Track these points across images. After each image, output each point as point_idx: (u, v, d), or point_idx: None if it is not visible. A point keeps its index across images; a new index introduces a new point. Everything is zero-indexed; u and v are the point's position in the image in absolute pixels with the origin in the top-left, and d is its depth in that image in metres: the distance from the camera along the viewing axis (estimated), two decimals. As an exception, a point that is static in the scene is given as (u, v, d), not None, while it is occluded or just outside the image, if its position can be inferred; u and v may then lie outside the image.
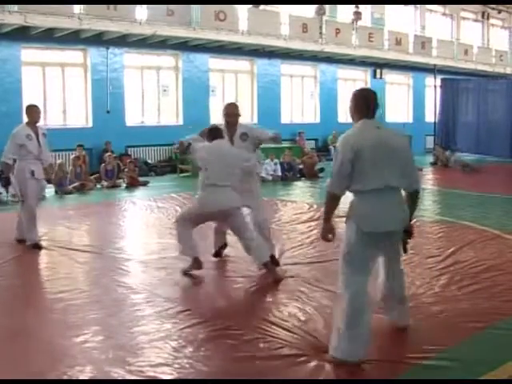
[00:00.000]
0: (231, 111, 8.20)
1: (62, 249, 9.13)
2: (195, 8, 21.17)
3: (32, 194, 9.44)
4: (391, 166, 4.87)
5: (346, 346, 4.81)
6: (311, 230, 10.17)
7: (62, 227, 11.03)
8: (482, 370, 4.68)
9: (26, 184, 9.35)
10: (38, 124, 9.63)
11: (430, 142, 30.18)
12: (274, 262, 7.75)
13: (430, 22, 32.91)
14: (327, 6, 26.19)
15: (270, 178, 18.50)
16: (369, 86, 29.67)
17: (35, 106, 9.76)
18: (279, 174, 18.78)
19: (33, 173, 9.36)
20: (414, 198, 5.15)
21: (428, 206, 13.09)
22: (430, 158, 25.00)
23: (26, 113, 9.65)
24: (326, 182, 5.15)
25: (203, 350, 5.15)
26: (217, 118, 24.18)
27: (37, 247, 9.29)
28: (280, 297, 6.64)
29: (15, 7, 17.16)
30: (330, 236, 5.05)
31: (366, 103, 5.04)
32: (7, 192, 14.21)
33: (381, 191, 4.84)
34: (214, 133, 7.71)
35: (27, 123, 9.53)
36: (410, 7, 31.62)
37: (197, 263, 7.57)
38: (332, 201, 4.98)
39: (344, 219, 5.04)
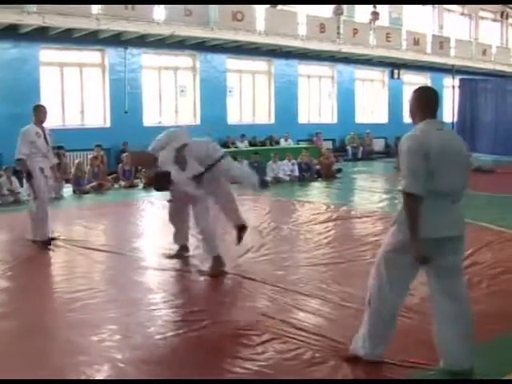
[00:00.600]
0: None
1: (79, 248, 9.16)
2: (213, 8, 21.18)
3: (44, 189, 9.61)
4: (455, 169, 4.54)
5: (368, 346, 4.78)
6: (328, 231, 10.14)
7: (79, 226, 11.07)
8: (505, 370, 4.68)
9: (37, 180, 9.51)
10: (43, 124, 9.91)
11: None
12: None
13: (448, 21, 32.70)
14: (345, 6, 26.11)
15: (288, 178, 18.46)
16: (386, 86, 29.68)
17: (42, 106, 10.07)
18: (296, 174, 18.71)
19: (42, 170, 9.55)
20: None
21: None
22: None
23: (34, 113, 9.85)
24: (400, 186, 4.51)
25: (219, 350, 5.15)
26: (234, 118, 24.33)
27: (47, 244, 9.38)
28: (297, 298, 6.61)
29: (34, 8, 17.23)
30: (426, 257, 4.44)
31: (428, 102, 4.80)
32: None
33: (444, 195, 4.52)
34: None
35: (34, 123, 9.77)
36: (428, 7, 31.42)
37: (219, 262, 7.67)
38: (414, 204, 4.41)
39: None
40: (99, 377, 4.65)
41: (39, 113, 9.84)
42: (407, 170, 4.44)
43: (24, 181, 10.03)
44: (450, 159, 4.50)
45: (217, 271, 7.63)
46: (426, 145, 4.44)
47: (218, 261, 7.70)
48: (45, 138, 9.73)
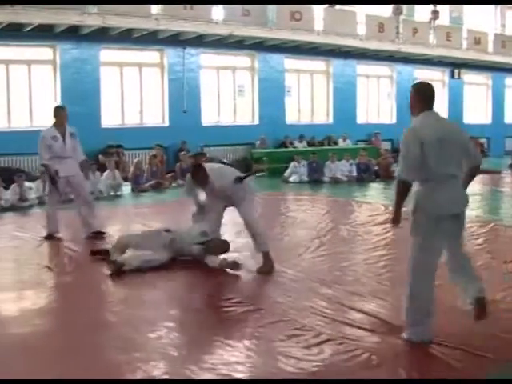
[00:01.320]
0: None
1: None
2: (271, 8, 21.21)
3: (55, 191, 10.00)
4: (454, 156, 5.19)
5: (418, 329, 5.21)
6: (386, 232, 10.02)
7: (137, 224, 11.15)
8: None
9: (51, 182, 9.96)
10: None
11: (509, 144, 29.57)
12: None
13: (511, 20, 32.04)
14: (404, 5, 25.84)
15: (345, 178, 18.37)
16: (446, 86, 29.23)
17: (62, 108, 10.24)
18: (354, 174, 18.60)
19: (57, 172, 9.79)
20: (474, 172, 5.47)
21: (506, 210, 12.81)
22: (509, 160, 24.34)
23: (54, 114, 10.07)
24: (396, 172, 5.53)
25: (274, 350, 5.12)
26: (292, 118, 24.31)
27: (50, 238, 9.85)
28: (354, 299, 6.55)
29: (95, 9, 17.49)
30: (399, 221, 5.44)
31: (427, 96, 5.49)
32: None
33: (445, 179, 5.16)
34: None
35: (54, 124, 10.00)
36: (490, 5, 30.83)
37: (270, 259, 7.75)
38: (404, 188, 5.25)
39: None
40: (155, 373, 4.67)
41: (59, 115, 10.05)
42: (402, 158, 5.21)
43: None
44: (450, 147, 5.14)
45: (270, 268, 7.69)
46: (422, 135, 5.15)
47: (269, 257, 7.75)
48: (63, 140, 9.90)
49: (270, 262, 7.74)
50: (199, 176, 7.84)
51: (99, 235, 10.02)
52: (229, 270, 7.61)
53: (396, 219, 5.46)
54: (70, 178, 9.97)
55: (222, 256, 7.84)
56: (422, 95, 5.53)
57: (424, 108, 5.43)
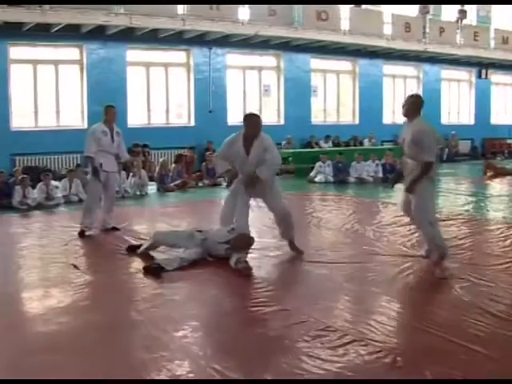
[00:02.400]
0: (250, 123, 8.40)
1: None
2: (297, 8, 21.20)
3: (98, 183, 10.27)
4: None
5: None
6: (412, 233, 9.97)
7: (162, 224, 11.19)
8: None
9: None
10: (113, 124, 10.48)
11: (537, 144, 29.34)
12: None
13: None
14: (431, 5, 25.66)
15: (371, 179, 18.29)
16: (473, 86, 28.98)
17: (113, 107, 10.57)
18: (380, 175, 18.50)
19: (101, 165, 10.17)
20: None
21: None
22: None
23: (105, 112, 10.45)
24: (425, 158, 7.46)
25: (299, 350, 5.11)
26: (318, 118, 24.27)
27: (82, 235, 10.05)
28: (379, 300, 6.53)
29: (121, 9, 17.59)
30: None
31: (421, 105, 7.72)
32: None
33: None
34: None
35: (104, 121, 10.37)
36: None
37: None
38: (431, 168, 7.41)
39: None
40: (180, 372, 4.68)
41: (109, 113, 10.45)
42: (430, 147, 7.40)
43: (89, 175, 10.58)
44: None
45: (300, 251, 8.40)
46: (434, 132, 7.63)
47: (295, 246, 8.36)
48: (112, 136, 10.31)
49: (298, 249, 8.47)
50: (257, 126, 8.33)
51: (113, 231, 10.41)
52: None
53: (414, 190, 7.52)
54: (110, 173, 10.44)
55: (238, 256, 7.82)
56: (420, 104, 7.72)
57: (418, 114, 7.70)
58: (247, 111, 22.11)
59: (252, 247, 8.27)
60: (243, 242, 8.03)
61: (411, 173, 7.64)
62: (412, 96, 7.82)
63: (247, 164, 8.21)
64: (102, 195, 10.53)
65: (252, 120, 8.37)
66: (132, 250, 8.74)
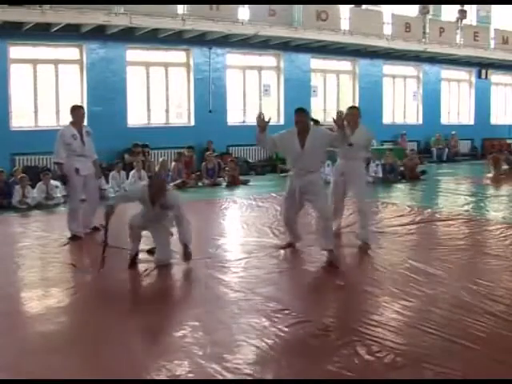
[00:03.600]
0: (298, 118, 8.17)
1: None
2: (297, 8, 21.17)
3: (77, 189, 10.10)
4: None
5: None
6: (412, 233, 9.97)
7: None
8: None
9: (71, 180, 10.02)
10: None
11: (535, 145, 29.32)
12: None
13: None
14: (431, 5, 25.66)
15: (371, 179, 18.25)
16: (473, 86, 28.96)
17: (81, 108, 10.43)
18: (380, 175, 18.50)
19: (77, 170, 9.94)
20: None
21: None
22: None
23: (71, 113, 10.18)
24: None
25: (301, 350, 5.11)
26: (319, 117, 24.17)
27: (75, 238, 9.85)
28: (380, 299, 6.53)
29: (121, 9, 17.58)
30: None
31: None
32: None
33: None
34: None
35: (72, 123, 10.10)
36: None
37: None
38: None
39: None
40: (180, 372, 4.68)
41: (77, 114, 10.18)
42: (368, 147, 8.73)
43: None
44: None
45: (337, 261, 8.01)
46: None
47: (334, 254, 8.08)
48: (81, 138, 10.03)
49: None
50: (306, 119, 8.18)
51: (96, 231, 10.20)
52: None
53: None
54: (88, 176, 10.19)
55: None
56: (360, 114, 9.31)
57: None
58: (247, 111, 22.19)
59: (252, 247, 8.27)
60: (157, 185, 8.13)
61: None
62: (355, 107, 9.42)
63: (303, 155, 8.11)
64: (86, 197, 10.44)
65: (299, 116, 8.20)
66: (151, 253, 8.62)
